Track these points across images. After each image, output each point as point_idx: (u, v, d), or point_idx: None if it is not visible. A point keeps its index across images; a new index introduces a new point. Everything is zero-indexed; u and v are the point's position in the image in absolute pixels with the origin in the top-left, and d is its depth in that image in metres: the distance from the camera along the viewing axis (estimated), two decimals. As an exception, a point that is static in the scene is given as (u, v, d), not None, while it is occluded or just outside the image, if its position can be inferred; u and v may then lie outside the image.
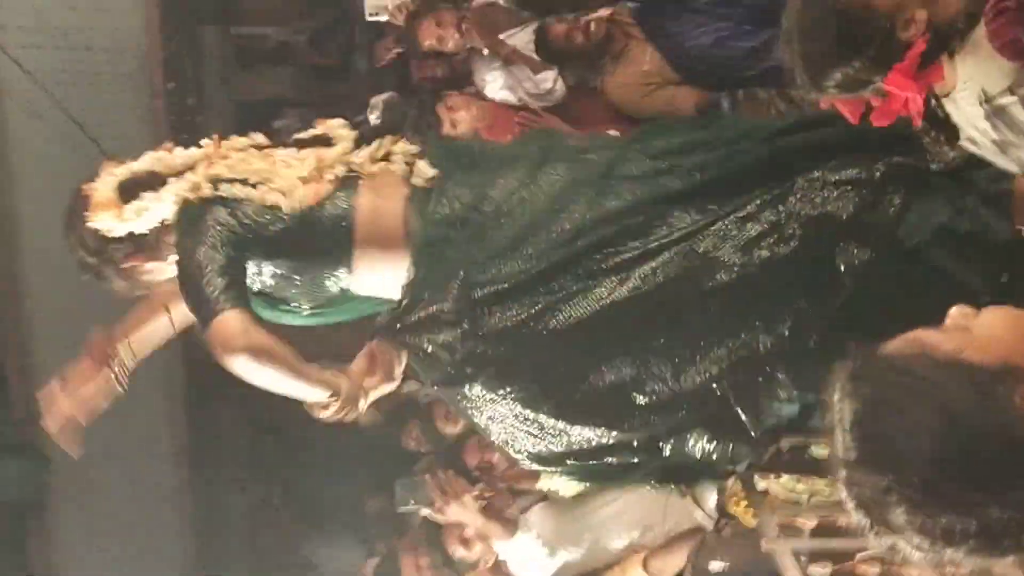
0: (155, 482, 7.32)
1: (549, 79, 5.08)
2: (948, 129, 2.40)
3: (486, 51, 5.21)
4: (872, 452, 1.39)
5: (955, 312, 1.50)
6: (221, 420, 7.60)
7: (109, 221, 2.93)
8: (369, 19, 5.29)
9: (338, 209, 2.96)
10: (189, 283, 2.86)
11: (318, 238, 2.95)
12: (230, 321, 2.79)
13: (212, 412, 7.47)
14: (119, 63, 6.66)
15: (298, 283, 3.00)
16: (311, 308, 3.06)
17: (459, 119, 4.90)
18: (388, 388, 3.00)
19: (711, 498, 3.72)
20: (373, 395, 2.95)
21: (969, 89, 2.25)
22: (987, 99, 2.22)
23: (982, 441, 1.33)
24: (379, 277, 2.99)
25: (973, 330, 1.47)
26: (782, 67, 2.53)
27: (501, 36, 5.21)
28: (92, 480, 6.93)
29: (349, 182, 3.01)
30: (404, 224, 2.97)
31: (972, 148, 2.41)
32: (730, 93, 4.17)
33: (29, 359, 6.91)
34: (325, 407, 2.86)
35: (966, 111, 2.30)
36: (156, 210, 2.94)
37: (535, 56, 5.08)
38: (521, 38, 5.16)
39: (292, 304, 3.05)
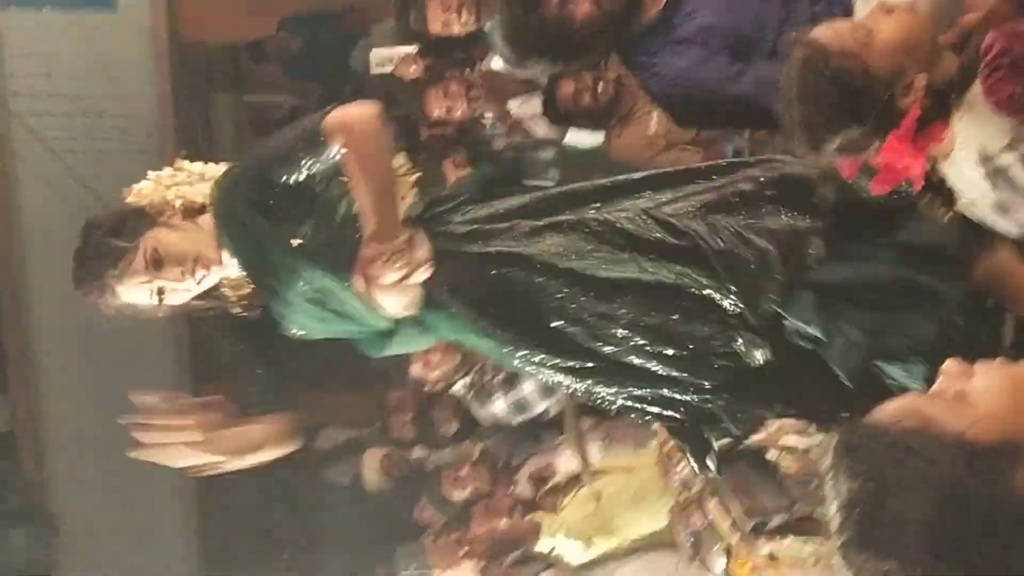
0: (163, 550, 7.27)
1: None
2: (944, 193, 2.38)
3: (489, 116, 5.24)
4: (871, 536, 1.34)
5: (949, 369, 1.46)
6: (231, 490, 7.54)
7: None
8: (375, 71, 5.29)
9: None
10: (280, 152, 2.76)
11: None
12: (355, 105, 2.74)
13: (222, 481, 7.42)
14: (131, 130, 6.70)
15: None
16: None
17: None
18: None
19: (719, 562, 3.68)
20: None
21: (967, 148, 2.23)
22: (986, 158, 2.20)
23: (988, 528, 1.29)
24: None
25: (969, 396, 1.41)
26: (756, 92, 2.51)
27: (510, 106, 5.24)
28: (100, 549, 6.89)
29: None
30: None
31: (971, 210, 2.38)
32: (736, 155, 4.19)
33: (40, 424, 6.90)
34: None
35: (964, 172, 2.28)
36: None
37: (540, 126, 5.11)
38: (530, 107, 5.18)
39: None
